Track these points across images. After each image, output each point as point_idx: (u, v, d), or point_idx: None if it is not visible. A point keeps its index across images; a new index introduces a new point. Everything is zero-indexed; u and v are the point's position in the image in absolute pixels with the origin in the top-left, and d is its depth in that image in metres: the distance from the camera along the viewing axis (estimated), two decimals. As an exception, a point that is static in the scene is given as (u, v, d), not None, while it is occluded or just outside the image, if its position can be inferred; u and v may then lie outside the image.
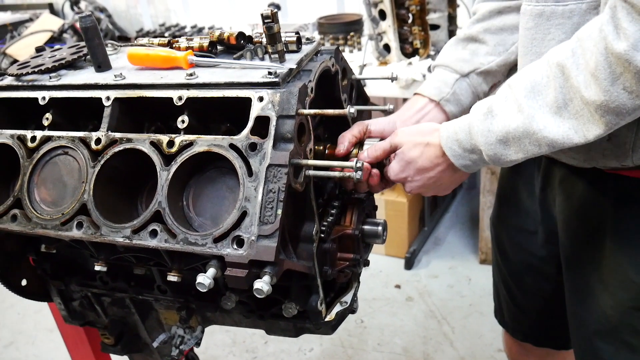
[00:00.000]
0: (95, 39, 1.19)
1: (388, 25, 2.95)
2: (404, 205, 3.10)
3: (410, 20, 2.96)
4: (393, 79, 1.31)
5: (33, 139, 1.17)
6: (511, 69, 1.30)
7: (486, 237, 3.05)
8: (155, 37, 4.11)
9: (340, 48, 3.42)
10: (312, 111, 1.01)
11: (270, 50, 1.09)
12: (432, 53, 3.00)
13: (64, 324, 1.51)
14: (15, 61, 4.21)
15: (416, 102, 1.30)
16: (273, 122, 0.98)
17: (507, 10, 1.27)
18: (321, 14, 3.75)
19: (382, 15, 2.96)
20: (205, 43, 1.18)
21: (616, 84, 0.82)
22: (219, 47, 1.21)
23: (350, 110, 0.99)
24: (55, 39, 4.26)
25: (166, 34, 3.92)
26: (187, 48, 1.19)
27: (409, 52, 3.03)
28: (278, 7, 3.60)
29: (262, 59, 1.14)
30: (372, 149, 1.14)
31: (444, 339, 2.63)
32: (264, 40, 1.16)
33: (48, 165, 1.15)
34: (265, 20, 1.05)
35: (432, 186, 1.14)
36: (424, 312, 2.81)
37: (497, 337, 2.59)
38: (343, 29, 3.53)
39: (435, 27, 3.09)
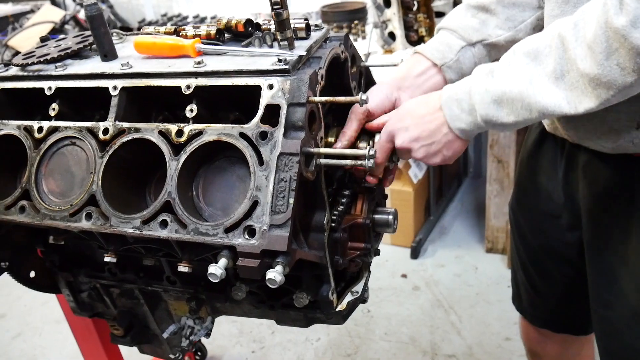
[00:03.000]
0: (101, 28, 1.17)
1: (393, 13, 2.93)
2: (409, 194, 3.09)
3: (415, 8, 2.94)
4: (399, 64, 1.30)
5: (40, 129, 1.15)
6: (513, 44, 1.28)
7: (492, 226, 3.04)
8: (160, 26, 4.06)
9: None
10: (323, 98, 0.99)
11: (279, 37, 1.07)
12: (437, 41, 2.98)
13: (72, 315, 1.51)
14: (17, 53, 4.19)
15: (416, 65, 1.26)
16: (283, 110, 0.97)
17: None
18: (325, 3, 3.72)
19: (387, 2, 2.93)
20: (213, 31, 1.16)
21: (611, 58, 0.83)
22: (226, 35, 1.19)
23: (362, 97, 0.98)
24: (57, 30, 4.25)
25: (168, 25, 3.90)
26: (195, 36, 1.17)
27: (414, 39, 3.01)
28: (281, -5, 3.58)
29: (271, 46, 1.12)
30: (380, 121, 1.13)
31: (451, 328, 2.63)
32: (272, 27, 1.15)
33: (55, 156, 1.14)
34: (274, 7, 1.03)
35: (420, 141, 1.08)
36: (431, 301, 2.81)
37: (504, 326, 2.58)
38: (347, 17, 3.51)
39: (440, 14, 3.06)
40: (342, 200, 1.17)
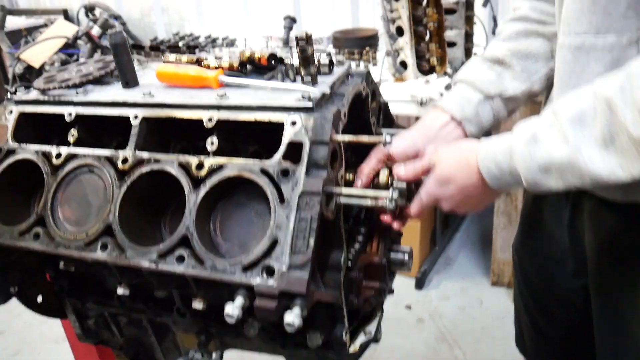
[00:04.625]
0: (124, 55, 1.17)
1: (405, 42, 2.94)
2: (415, 224, 3.07)
3: (427, 37, 2.95)
4: (422, 103, 1.29)
5: (58, 155, 1.15)
6: (530, 96, 1.28)
7: (499, 259, 3.02)
8: (169, 46, 4.02)
9: (356, 63, 3.37)
10: (347, 138, 0.98)
11: (302, 73, 1.07)
12: (448, 71, 2.99)
13: (76, 339, 1.49)
14: (29, 66, 4.21)
15: (437, 118, 1.25)
16: (306, 148, 0.96)
17: (534, 34, 1.25)
18: (336, 28, 3.74)
19: (400, 31, 2.94)
20: (236, 62, 1.16)
21: None
22: (248, 67, 1.19)
23: (387, 139, 0.97)
24: (70, 46, 4.26)
25: (180, 44, 3.91)
26: (217, 67, 1.17)
27: (425, 69, 3.01)
28: (293, 19, 3.58)
29: (294, 80, 1.12)
30: (410, 167, 1.09)
31: (455, 362, 2.60)
32: (295, 60, 1.14)
33: (73, 183, 1.13)
34: (300, 43, 1.03)
35: (466, 203, 1.10)
36: (435, 334, 2.77)
37: (509, 363, 2.55)
38: (358, 43, 3.52)
39: (452, 44, 3.08)
40: (359, 238, 1.15)
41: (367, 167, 1.15)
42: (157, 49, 4.18)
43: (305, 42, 1.03)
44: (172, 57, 1.27)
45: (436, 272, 3.25)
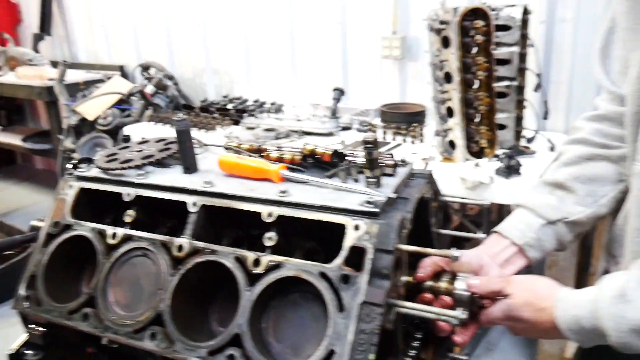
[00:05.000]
0: (187, 142, 1.18)
1: (455, 123, 2.93)
2: (456, 306, 2.96)
3: (477, 120, 2.94)
4: (485, 205, 1.26)
5: (114, 236, 1.15)
6: (596, 219, 1.22)
7: (545, 351, 2.87)
8: (219, 109, 4.08)
9: (403, 138, 3.36)
10: (413, 248, 0.95)
11: (366, 175, 1.05)
12: (498, 153, 2.96)
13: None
14: (83, 119, 4.37)
15: (498, 242, 1.22)
16: (369, 255, 0.93)
17: (598, 158, 1.21)
18: (384, 100, 3.77)
19: (450, 112, 2.95)
20: (298, 156, 1.16)
21: None
22: (309, 160, 1.19)
23: (455, 253, 0.94)
24: (123, 101, 4.43)
25: (229, 106, 4.01)
26: (278, 159, 1.17)
27: (474, 150, 2.99)
28: (342, 91, 3.64)
29: (356, 180, 1.10)
30: (485, 283, 1.04)
31: None
32: (357, 159, 1.13)
33: (126, 266, 1.13)
34: (367, 145, 1.03)
35: (533, 335, 1.06)
36: None
37: None
38: (406, 119, 3.52)
39: (502, 127, 3.06)
40: (414, 344, 1.10)
41: (431, 261, 1.10)
42: (207, 110, 4.28)
43: (372, 146, 1.02)
44: (233, 143, 1.28)
45: (476, 358, 3.11)
